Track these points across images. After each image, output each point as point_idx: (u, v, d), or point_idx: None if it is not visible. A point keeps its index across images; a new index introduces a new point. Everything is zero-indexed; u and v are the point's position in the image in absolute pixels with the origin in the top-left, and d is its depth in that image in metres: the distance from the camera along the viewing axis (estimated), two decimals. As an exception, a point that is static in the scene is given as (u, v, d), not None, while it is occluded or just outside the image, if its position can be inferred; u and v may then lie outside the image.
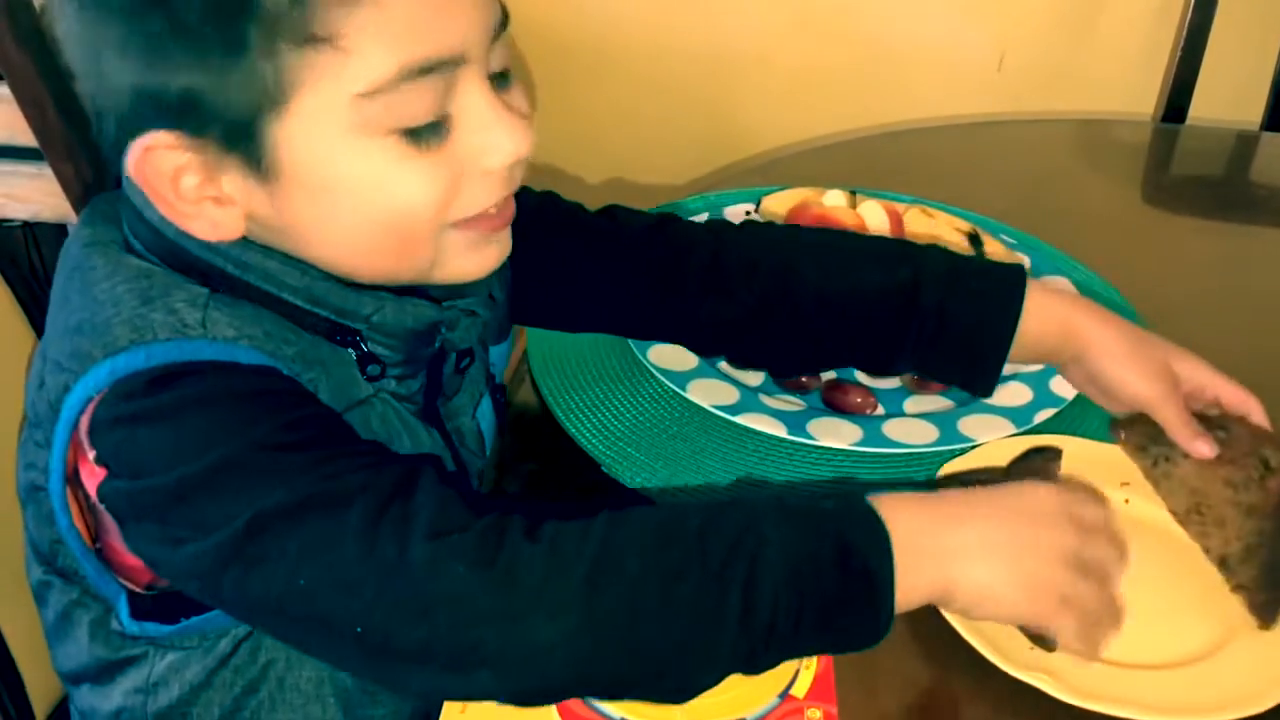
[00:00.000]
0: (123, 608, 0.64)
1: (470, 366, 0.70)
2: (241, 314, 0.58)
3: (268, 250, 0.60)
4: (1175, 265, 1.03)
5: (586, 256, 0.79)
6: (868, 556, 0.54)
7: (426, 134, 0.57)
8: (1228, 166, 1.27)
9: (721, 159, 1.47)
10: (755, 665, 0.55)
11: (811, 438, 0.76)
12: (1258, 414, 0.71)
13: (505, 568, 0.53)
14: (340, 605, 0.54)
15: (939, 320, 0.73)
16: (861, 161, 1.02)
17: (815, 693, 0.60)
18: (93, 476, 0.59)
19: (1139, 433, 0.71)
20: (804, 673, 0.61)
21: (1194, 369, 0.72)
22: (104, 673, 0.66)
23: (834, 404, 0.81)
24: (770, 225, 0.83)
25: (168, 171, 0.57)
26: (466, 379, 0.70)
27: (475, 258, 0.63)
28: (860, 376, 0.84)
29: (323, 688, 0.66)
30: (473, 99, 0.58)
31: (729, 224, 0.82)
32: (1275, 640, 0.63)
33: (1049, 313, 0.73)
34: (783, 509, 0.56)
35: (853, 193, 0.92)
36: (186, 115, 0.55)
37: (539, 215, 0.77)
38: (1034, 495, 0.59)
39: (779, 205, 0.97)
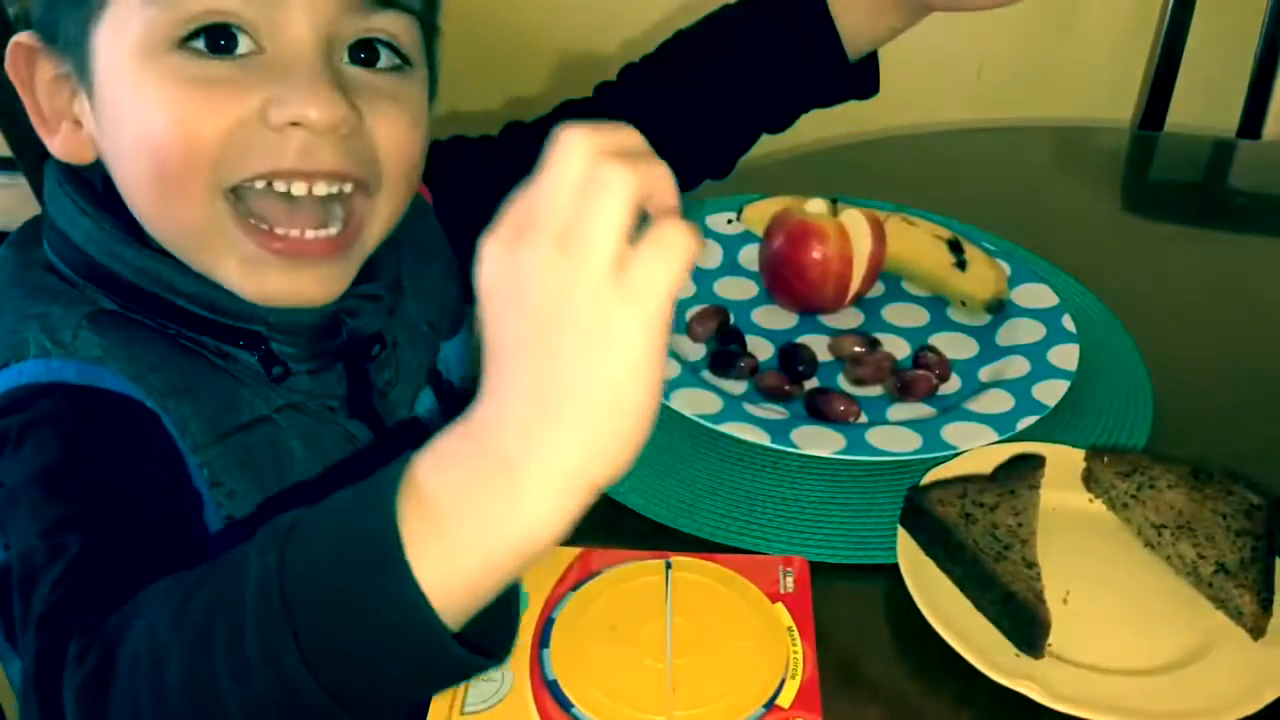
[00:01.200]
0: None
1: (382, 353, 0.66)
2: (114, 335, 0.57)
3: (161, 255, 0.59)
4: (1154, 271, 1.04)
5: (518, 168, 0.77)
6: (375, 522, 0.40)
7: (209, 55, 0.54)
8: (1205, 173, 1.28)
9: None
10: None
11: (795, 446, 0.76)
12: None
13: (48, 671, 0.47)
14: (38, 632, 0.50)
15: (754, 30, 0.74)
16: (842, 169, 1.02)
17: (800, 702, 0.60)
18: None
19: (1122, 460, 0.71)
20: (789, 682, 0.61)
21: None
22: None
23: (817, 412, 0.81)
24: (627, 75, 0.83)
25: (41, 81, 0.58)
26: (400, 373, 0.68)
27: (251, 276, 0.58)
28: (843, 384, 0.84)
29: None
30: (292, 45, 0.55)
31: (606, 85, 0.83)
32: (1259, 645, 0.63)
33: None
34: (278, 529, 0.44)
35: (834, 201, 0.92)
36: (45, 21, 0.57)
37: (452, 153, 0.76)
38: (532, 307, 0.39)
39: (761, 212, 0.97)
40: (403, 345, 0.69)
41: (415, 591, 0.39)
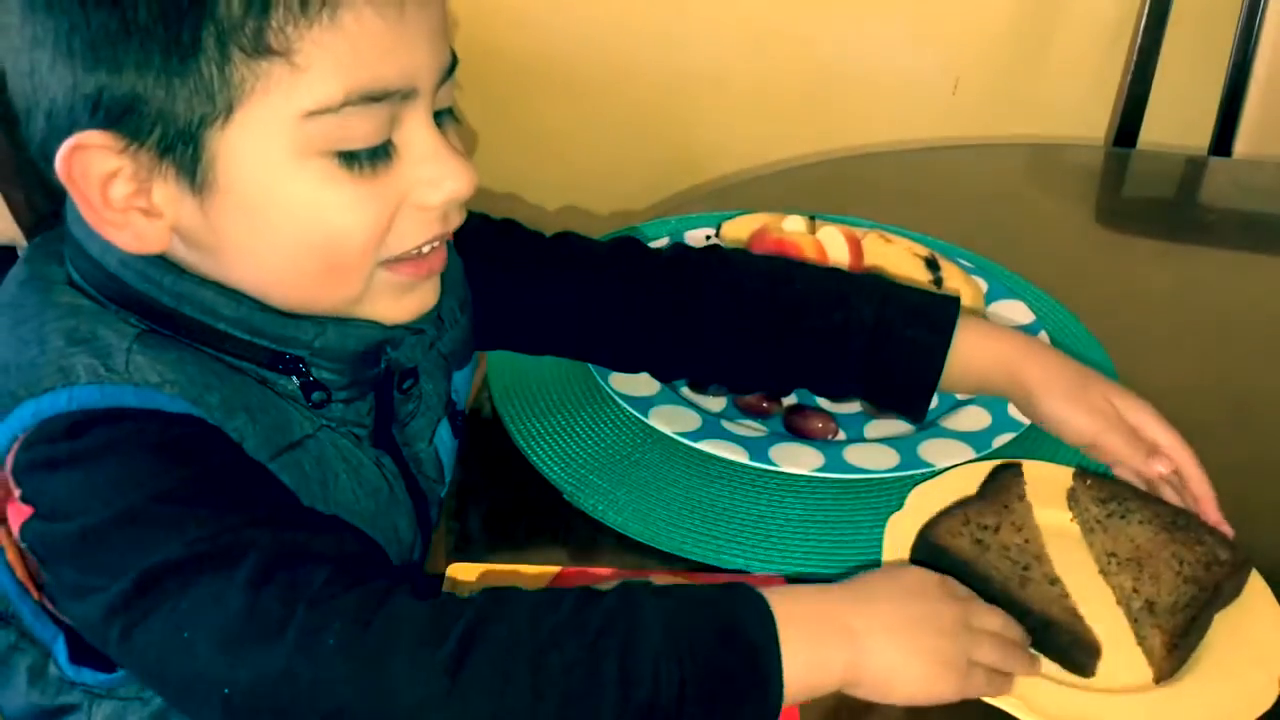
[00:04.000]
0: (60, 651, 0.63)
1: (413, 387, 0.68)
2: (166, 358, 0.57)
3: (203, 281, 0.59)
4: (1127, 287, 1.04)
5: (555, 280, 0.79)
6: (749, 630, 0.54)
7: (365, 160, 0.57)
8: (1177, 190, 1.29)
9: (679, 183, 1.48)
10: None
11: (773, 464, 0.76)
12: (1189, 466, 0.71)
13: (380, 628, 0.52)
14: (214, 665, 0.52)
15: (874, 339, 0.73)
16: (819, 186, 1.03)
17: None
18: (19, 515, 0.57)
19: (1102, 487, 0.72)
20: (768, 702, 0.60)
21: (1137, 408, 0.72)
22: None
23: (795, 429, 0.81)
24: (737, 253, 0.82)
25: (97, 175, 0.55)
26: (422, 404, 0.69)
27: (398, 303, 0.62)
28: (821, 401, 0.85)
29: None
30: (418, 133, 0.58)
31: (690, 251, 0.81)
32: (1246, 662, 0.64)
33: (986, 350, 0.74)
34: (663, 589, 0.56)
35: (812, 218, 0.93)
36: (126, 118, 0.54)
37: (501, 239, 0.78)
38: (912, 576, 0.62)
39: (739, 230, 0.97)
40: (426, 376, 0.69)
41: (780, 688, 0.54)
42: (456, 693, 0.51)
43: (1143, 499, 0.71)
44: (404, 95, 0.57)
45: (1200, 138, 1.34)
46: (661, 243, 1.00)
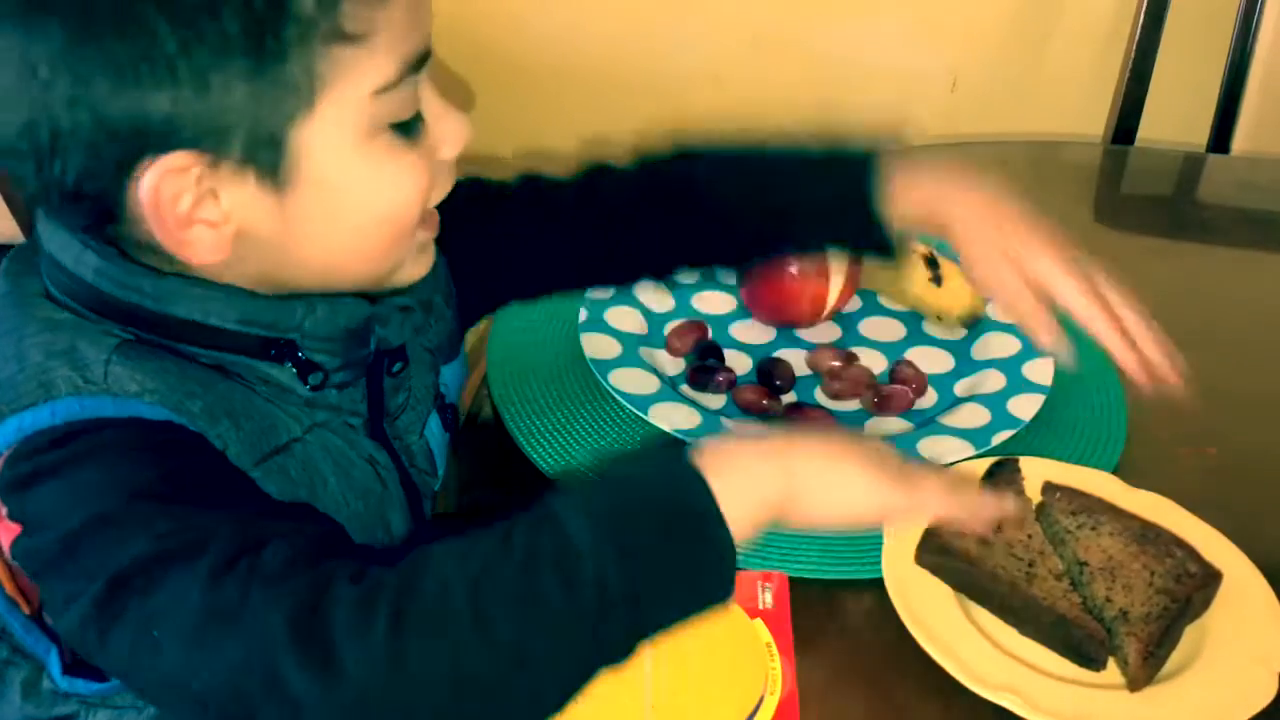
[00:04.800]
0: (54, 664, 0.62)
1: (403, 370, 0.68)
2: (146, 367, 0.56)
3: (187, 278, 0.58)
4: (1126, 284, 1.04)
5: (529, 225, 0.80)
6: (683, 496, 0.52)
7: (412, 128, 0.59)
8: (1175, 187, 1.30)
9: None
10: (605, 644, 0.51)
11: (773, 461, 0.76)
12: (1092, 324, 0.72)
13: (323, 612, 0.50)
14: (181, 660, 0.51)
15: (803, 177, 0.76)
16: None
17: (780, 718, 0.60)
18: (8, 533, 0.56)
19: (1072, 500, 0.72)
20: (769, 698, 0.61)
21: (1042, 263, 0.72)
22: None
23: (795, 426, 0.81)
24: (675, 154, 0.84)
25: (172, 195, 0.54)
26: (411, 397, 0.69)
27: (421, 260, 0.64)
28: (821, 399, 0.85)
29: None
30: (428, 93, 0.60)
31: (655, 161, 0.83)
32: (1242, 659, 0.64)
33: (914, 190, 0.73)
34: (580, 489, 0.54)
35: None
36: (209, 133, 0.53)
37: (473, 198, 0.76)
38: (838, 433, 0.64)
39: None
40: (414, 367, 0.69)
41: (728, 536, 0.52)
42: (403, 659, 0.49)
43: (1113, 512, 0.71)
44: (428, 57, 0.58)
45: (1198, 135, 1.34)
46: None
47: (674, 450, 0.54)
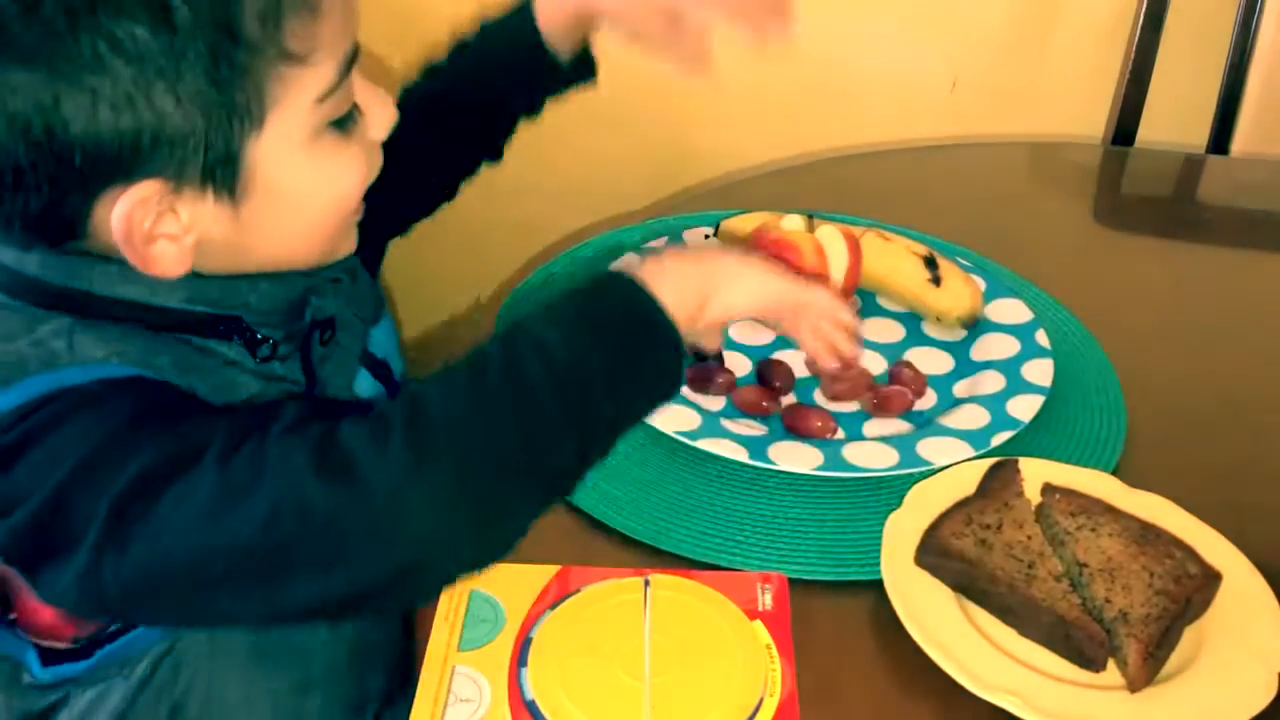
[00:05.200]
0: (32, 661, 0.63)
1: (332, 339, 0.70)
2: (110, 333, 0.58)
3: (130, 269, 0.59)
4: (1125, 285, 1.05)
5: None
6: (622, 288, 0.59)
7: (348, 121, 0.62)
8: (1175, 188, 1.30)
9: (678, 182, 1.47)
10: (590, 421, 0.56)
11: (772, 462, 0.76)
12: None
13: (340, 445, 0.53)
14: (204, 550, 0.53)
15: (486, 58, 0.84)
16: (818, 185, 1.03)
17: (780, 720, 0.60)
18: None
19: (1071, 501, 0.72)
20: (768, 700, 0.61)
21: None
22: None
23: (794, 428, 0.81)
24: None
25: (142, 220, 0.57)
26: (335, 356, 0.70)
27: (349, 239, 0.69)
28: (819, 400, 0.85)
29: (252, 697, 0.67)
30: (359, 82, 0.63)
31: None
32: (1242, 660, 0.64)
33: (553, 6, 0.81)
34: (536, 310, 0.59)
35: (810, 217, 0.93)
36: (169, 161, 0.56)
37: None
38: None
39: (737, 229, 0.97)
40: (340, 333, 0.71)
41: (671, 321, 0.59)
42: (421, 460, 0.52)
43: (1112, 513, 0.71)
44: (356, 55, 0.62)
45: (1198, 136, 1.34)
46: (661, 242, 1.00)
47: (610, 272, 0.61)
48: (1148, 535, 0.69)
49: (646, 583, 0.67)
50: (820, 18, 1.44)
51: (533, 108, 0.90)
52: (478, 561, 0.56)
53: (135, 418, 0.56)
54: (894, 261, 0.93)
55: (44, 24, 0.52)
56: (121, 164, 0.55)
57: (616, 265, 0.70)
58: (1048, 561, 0.67)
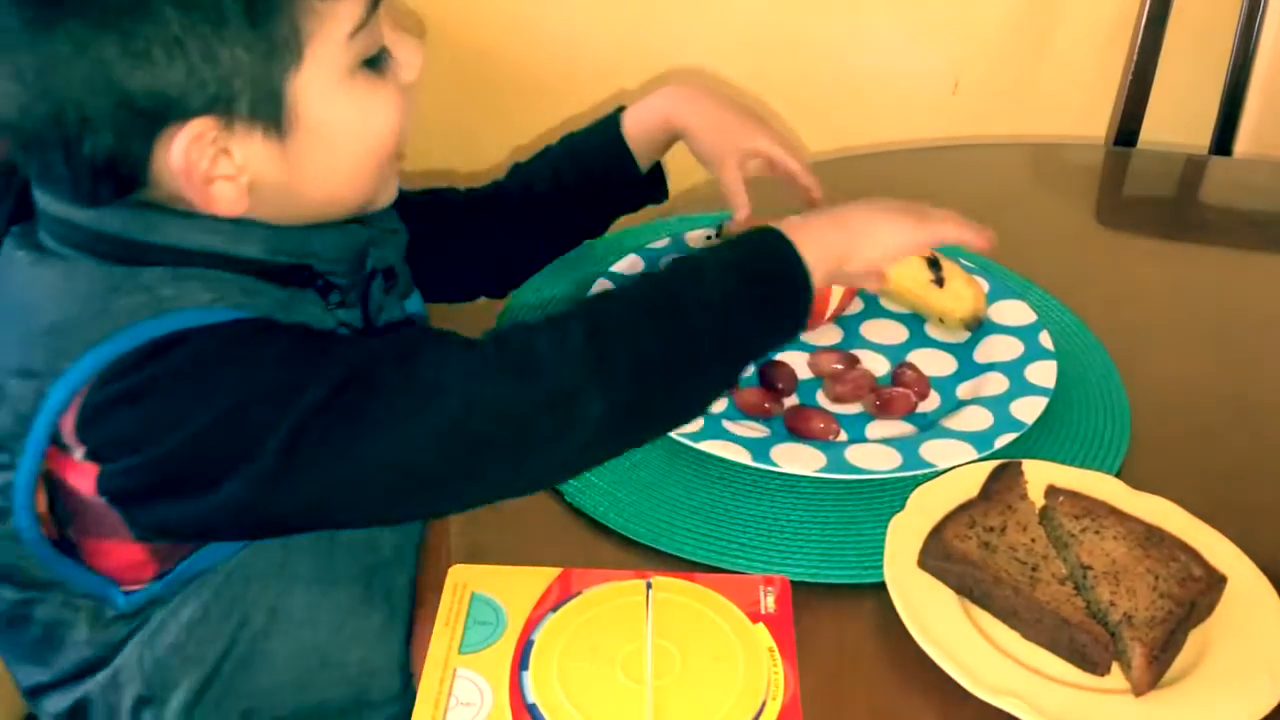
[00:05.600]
0: (115, 595, 0.66)
1: (394, 285, 0.74)
2: (208, 277, 0.62)
3: (212, 217, 0.63)
4: (1128, 286, 1.04)
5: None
6: (773, 242, 0.68)
7: (380, 61, 0.65)
8: (1178, 189, 1.29)
9: (679, 183, 1.47)
10: (731, 355, 0.67)
11: (775, 464, 0.76)
12: (786, 165, 0.90)
13: (524, 357, 0.61)
14: (405, 450, 0.60)
15: (576, 166, 0.92)
16: (821, 185, 1.02)
17: (783, 723, 0.60)
18: (83, 475, 0.61)
19: (1076, 504, 0.72)
20: (771, 703, 0.60)
21: (764, 147, 0.90)
22: (107, 655, 0.68)
23: (796, 430, 0.81)
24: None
25: (198, 160, 0.60)
26: (389, 305, 0.74)
27: (391, 185, 0.71)
28: (822, 402, 0.84)
29: (315, 610, 0.70)
30: (385, 24, 0.65)
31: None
32: (1249, 663, 0.64)
33: (646, 115, 0.91)
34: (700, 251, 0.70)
35: (812, 218, 0.92)
36: (219, 99, 0.59)
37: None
38: (871, 200, 0.76)
39: (740, 230, 0.97)
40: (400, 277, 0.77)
41: (802, 266, 0.68)
42: (601, 358, 0.62)
43: (1117, 515, 0.71)
44: None
45: (1201, 137, 1.34)
46: (662, 243, 1.00)
47: (767, 227, 0.70)
48: (1152, 538, 0.69)
49: (648, 585, 0.67)
50: (821, 18, 1.44)
51: (603, 220, 0.98)
52: (624, 448, 0.67)
53: (292, 346, 0.61)
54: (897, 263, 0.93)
55: None
56: (174, 104, 0.59)
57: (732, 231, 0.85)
58: (1052, 564, 0.67)
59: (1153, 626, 0.63)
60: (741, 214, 0.92)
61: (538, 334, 0.63)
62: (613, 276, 0.94)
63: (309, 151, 0.64)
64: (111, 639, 0.68)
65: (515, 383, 0.61)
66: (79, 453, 0.60)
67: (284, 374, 0.59)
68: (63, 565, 0.65)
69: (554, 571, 0.67)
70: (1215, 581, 0.66)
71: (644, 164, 0.92)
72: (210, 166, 0.61)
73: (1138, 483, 0.75)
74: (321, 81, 0.62)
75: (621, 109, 0.93)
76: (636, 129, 0.91)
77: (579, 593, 0.66)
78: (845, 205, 0.74)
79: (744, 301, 0.66)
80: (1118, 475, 0.77)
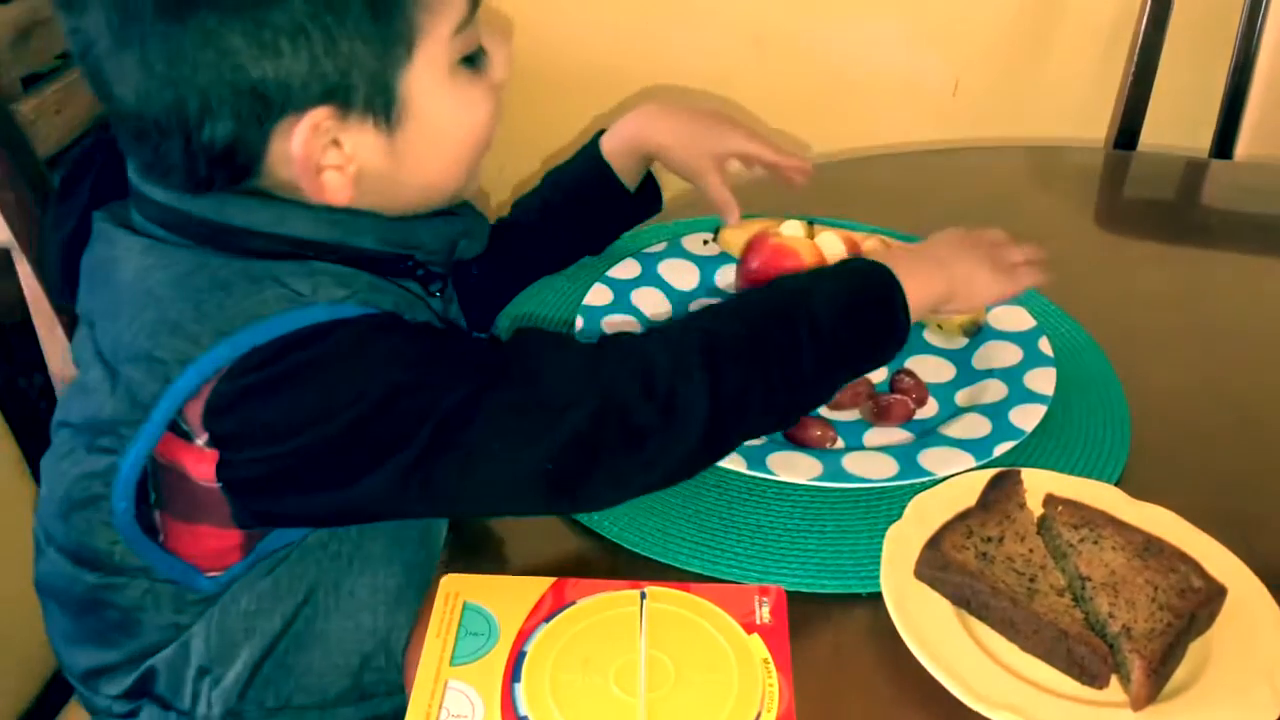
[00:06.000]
0: (199, 579, 0.68)
1: (481, 275, 0.80)
2: (341, 273, 0.63)
3: (329, 209, 0.65)
4: (1128, 291, 1.03)
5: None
6: (879, 274, 0.72)
7: (477, 59, 0.68)
8: (1178, 193, 1.28)
9: (678, 185, 1.47)
10: (826, 382, 0.71)
11: (771, 472, 0.75)
12: (765, 155, 0.93)
13: (659, 383, 0.64)
14: (522, 447, 0.62)
15: (562, 193, 0.94)
16: (819, 188, 1.01)
17: (777, 737, 0.59)
18: (202, 461, 0.62)
19: (1074, 513, 0.71)
20: (765, 716, 0.60)
21: (738, 146, 0.92)
22: (181, 630, 0.70)
23: (793, 437, 0.80)
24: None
25: (315, 148, 0.62)
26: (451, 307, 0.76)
27: (478, 175, 0.72)
28: (819, 409, 0.84)
29: (376, 594, 0.71)
30: (482, 23, 0.67)
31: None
32: (1247, 676, 0.63)
33: (620, 135, 0.93)
34: (809, 277, 0.74)
35: (810, 223, 0.92)
36: (337, 89, 0.61)
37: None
38: (960, 232, 0.81)
39: (737, 234, 0.96)
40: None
41: (906, 310, 0.72)
42: (715, 385, 0.65)
43: (1116, 525, 0.70)
44: None
45: (1201, 140, 1.33)
46: (659, 247, 0.99)
47: (874, 262, 0.73)
48: (1152, 548, 0.68)
49: (642, 595, 0.66)
50: (822, 20, 1.44)
51: (598, 239, 0.99)
52: (711, 464, 0.70)
53: (430, 346, 0.63)
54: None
55: None
56: (295, 94, 0.60)
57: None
58: (1050, 575, 0.66)
59: (1152, 639, 0.62)
60: (732, 219, 0.94)
61: (654, 346, 0.66)
62: (609, 281, 0.94)
63: (414, 144, 0.65)
64: (190, 618, 0.69)
65: (638, 395, 0.64)
66: (201, 439, 0.62)
67: (424, 373, 0.61)
68: (150, 551, 0.66)
69: (547, 581, 0.67)
70: (1215, 593, 0.66)
71: (628, 181, 0.94)
72: (321, 155, 0.63)
73: (1138, 490, 0.75)
74: (429, 76, 0.64)
75: (601, 132, 0.95)
76: (612, 149, 0.93)
77: (572, 603, 0.66)
78: (949, 244, 0.79)
79: (847, 337, 0.70)
80: (1118, 483, 0.77)
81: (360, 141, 0.64)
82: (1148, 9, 1.30)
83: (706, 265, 0.98)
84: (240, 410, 0.61)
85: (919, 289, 0.73)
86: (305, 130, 0.61)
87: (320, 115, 0.61)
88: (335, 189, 0.64)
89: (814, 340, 0.68)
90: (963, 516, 0.70)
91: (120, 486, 0.64)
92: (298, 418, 0.60)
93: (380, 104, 0.63)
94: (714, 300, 0.94)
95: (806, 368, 0.68)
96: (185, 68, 0.59)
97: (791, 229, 0.90)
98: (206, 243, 0.63)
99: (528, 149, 1.49)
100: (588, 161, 0.94)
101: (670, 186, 1.48)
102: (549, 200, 0.95)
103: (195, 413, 0.61)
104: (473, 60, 0.67)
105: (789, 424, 0.76)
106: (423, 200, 0.69)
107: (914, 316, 0.72)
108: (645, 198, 0.97)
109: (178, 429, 0.62)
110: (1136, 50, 1.32)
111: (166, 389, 0.61)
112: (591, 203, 0.95)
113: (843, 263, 0.75)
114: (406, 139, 0.65)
